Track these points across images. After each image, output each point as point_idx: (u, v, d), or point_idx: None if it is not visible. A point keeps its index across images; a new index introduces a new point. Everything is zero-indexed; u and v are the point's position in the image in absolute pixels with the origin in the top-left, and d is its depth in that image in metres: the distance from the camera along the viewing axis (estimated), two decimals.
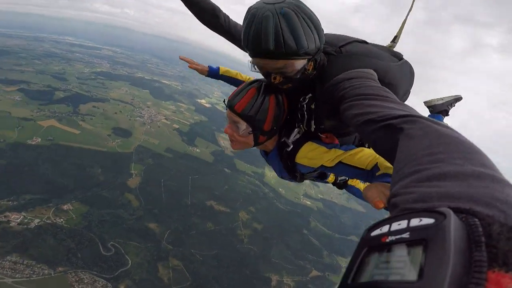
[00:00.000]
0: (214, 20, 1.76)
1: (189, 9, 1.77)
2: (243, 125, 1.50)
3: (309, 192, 60.44)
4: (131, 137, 51.02)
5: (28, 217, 28.27)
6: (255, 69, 1.35)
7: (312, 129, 1.50)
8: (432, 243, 0.26)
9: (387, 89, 1.04)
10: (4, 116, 42.55)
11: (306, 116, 1.45)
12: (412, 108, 0.84)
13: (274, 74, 1.29)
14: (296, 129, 1.57)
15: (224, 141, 60.68)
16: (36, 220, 28.19)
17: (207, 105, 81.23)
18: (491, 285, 0.22)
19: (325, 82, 1.27)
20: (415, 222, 0.31)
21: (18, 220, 27.26)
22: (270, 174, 56.77)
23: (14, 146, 36.96)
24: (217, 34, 1.83)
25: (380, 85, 1.09)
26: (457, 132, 0.57)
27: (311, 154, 1.54)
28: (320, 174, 1.86)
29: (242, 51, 1.48)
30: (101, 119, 53.37)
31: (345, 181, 2.07)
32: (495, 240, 0.26)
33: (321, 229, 50.12)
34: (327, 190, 63.66)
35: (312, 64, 1.31)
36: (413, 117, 0.71)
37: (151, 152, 48.58)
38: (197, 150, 52.24)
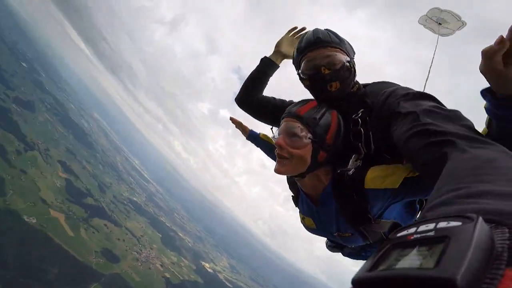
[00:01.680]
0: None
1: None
2: (302, 131, 1.28)
3: None
4: (116, 263, 48.66)
5: None
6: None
7: (372, 149, 1.30)
8: (453, 239, 0.27)
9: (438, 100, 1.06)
10: (32, 189, 44.86)
11: (363, 132, 1.29)
12: (468, 121, 0.82)
13: (323, 66, 1.36)
14: (353, 156, 1.40)
15: None
16: None
17: (210, 270, 78.07)
18: (506, 280, 0.23)
19: (370, 97, 1.37)
20: (442, 224, 0.32)
21: None
22: None
23: (8, 212, 36.77)
24: None
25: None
26: (510, 155, 0.55)
27: (384, 171, 1.26)
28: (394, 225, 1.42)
29: None
30: (101, 238, 53.16)
31: None
32: None
33: None
34: None
35: (353, 67, 1.41)
36: (471, 138, 0.69)
37: (125, 284, 44.60)
38: None
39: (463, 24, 4.49)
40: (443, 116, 0.88)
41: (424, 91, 1.17)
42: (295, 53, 1.48)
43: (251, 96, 1.84)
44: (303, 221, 1.62)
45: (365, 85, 1.50)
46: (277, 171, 1.34)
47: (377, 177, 1.26)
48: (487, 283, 0.23)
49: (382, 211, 1.34)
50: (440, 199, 0.47)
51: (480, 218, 0.30)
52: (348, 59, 1.39)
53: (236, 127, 2.25)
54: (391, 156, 1.31)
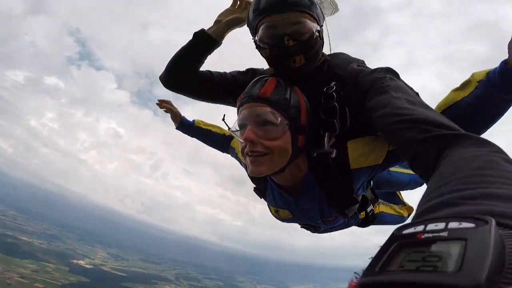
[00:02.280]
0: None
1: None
2: (275, 116, 1.08)
3: None
4: None
5: None
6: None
7: (347, 125, 1.17)
8: (470, 242, 0.26)
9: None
10: None
11: (337, 106, 1.13)
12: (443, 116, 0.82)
13: (287, 36, 1.15)
14: (326, 134, 1.17)
15: None
16: None
17: (88, 266, 62.38)
18: None
19: (339, 68, 1.27)
20: (454, 225, 0.30)
21: None
22: None
23: None
24: None
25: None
26: (509, 160, 0.56)
27: (366, 147, 1.18)
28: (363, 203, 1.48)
29: None
30: None
31: (372, 213, 1.67)
32: None
33: None
34: None
35: (320, 38, 1.24)
36: (465, 135, 0.69)
37: None
38: None
39: (336, 9, 6.50)
40: (421, 103, 0.90)
41: (389, 67, 1.14)
42: (251, 14, 1.24)
43: (181, 78, 1.50)
44: (275, 213, 1.47)
45: (329, 56, 1.39)
46: (256, 173, 1.11)
47: (360, 155, 1.17)
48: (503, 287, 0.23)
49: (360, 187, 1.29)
50: (442, 198, 0.45)
51: (494, 221, 0.29)
52: (318, 27, 1.21)
53: (165, 111, 1.93)
54: (362, 129, 1.21)
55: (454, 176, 0.51)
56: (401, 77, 1.14)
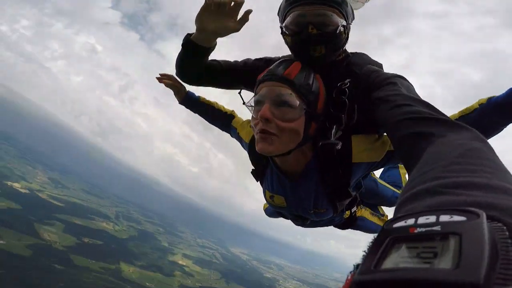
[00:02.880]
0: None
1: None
2: (294, 99, 1.11)
3: (185, 283, 53.46)
4: None
5: None
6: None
7: (354, 120, 1.26)
8: (467, 237, 0.26)
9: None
10: None
11: (347, 102, 1.20)
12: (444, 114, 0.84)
13: (312, 25, 1.19)
14: (334, 126, 1.23)
15: (48, 234, 46.31)
16: None
17: (23, 190, 59.58)
18: None
19: (357, 68, 1.31)
20: (445, 218, 0.30)
21: None
22: (128, 269, 47.07)
23: None
24: None
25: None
26: (491, 148, 0.57)
27: (369, 145, 1.27)
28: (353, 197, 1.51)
29: None
30: None
31: (355, 215, 1.79)
32: None
33: None
34: (203, 278, 59.29)
35: (347, 34, 1.29)
36: (451, 123, 0.70)
37: None
38: (1, 241, 36.88)
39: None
40: (426, 103, 0.91)
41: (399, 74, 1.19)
42: (283, 3, 1.29)
43: (191, 78, 1.58)
44: (270, 199, 1.50)
45: (351, 54, 1.43)
46: (264, 150, 1.13)
47: (363, 151, 1.24)
48: (499, 284, 0.23)
49: (372, 168, 1.35)
50: (425, 185, 0.45)
51: (485, 214, 0.29)
52: (345, 23, 1.25)
53: (166, 86, 1.81)
54: (365, 126, 1.29)
55: (437, 163, 0.51)
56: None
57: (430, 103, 0.92)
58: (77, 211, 62.25)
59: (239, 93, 1.39)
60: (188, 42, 1.37)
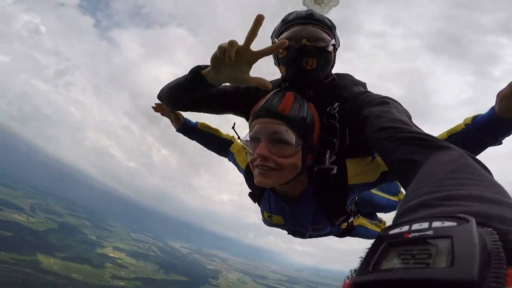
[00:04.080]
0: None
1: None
2: (291, 136, 1.11)
3: (118, 274, 49.85)
4: None
5: None
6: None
7: (347, 145, 1.28)
8: (457, 239, 0.27)
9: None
10: None
11: (338, 127, 1.22)
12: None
13: (305, 38, 1.28)
14: (328, 151, 1.24)
15: None
16: None
17: None
18: (511, 278, 0.23)
19: (343, 90, 1.37)
20: (437, 224, 0.32)
21: None
22: (48, 261, 41.92)
23: None
24: None
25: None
26: (482, 165, 0.60)
27: (364, 167, 1.32)
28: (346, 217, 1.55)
29: None
30: None
31: (352, 224, 1.79)
32: (511, 245, 0.27)
33: None
34: (138, 269, 56.14)
35: (334, 56, 1.38)
36: (442, 143, 0.74)
37: None
38: None
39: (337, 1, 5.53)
40: (412, 124, 0.96)
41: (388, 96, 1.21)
42: (278, 25, 1.38)
43: (181, 107, 1.52)
44: (268, 219, 1.55)
45: (336, 75, 1.47)
46: (263, 184, 1.17)
47: (358, 174, 1.30)
48: (493, 282, 0.24)
49: (367, 188, 1.41)
50: (420, 199, 0.47)
51: (474, 219, 0.31)
52: (335, 43, 1.34)
53: (163, 115, 1.81)
54: (359, 149, 1.34)
55: (430, 179, 0.54)
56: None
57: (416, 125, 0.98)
58: None
59: (233, 127, 1.43)
60: (198, 77, 1.23)
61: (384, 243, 0.31)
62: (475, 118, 1.22)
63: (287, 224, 1.50)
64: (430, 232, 0.30)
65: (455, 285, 0.23)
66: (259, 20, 1.04)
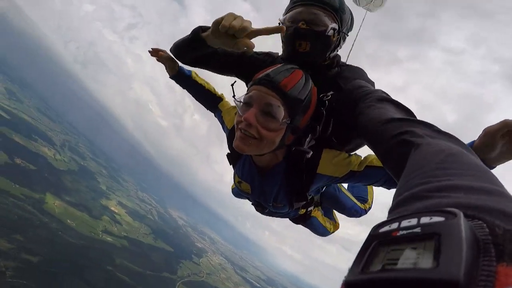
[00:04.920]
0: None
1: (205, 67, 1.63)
2: (281, 112, 1.14)
3: (110, 229, 53.54)
4: None
5: None
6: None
7: (328, 133, 1.31)
8: (445, 236, 0.27)
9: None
10: None
11: (324, 114, 1.25)
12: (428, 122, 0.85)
13: (303, 21, 1.28)
14: (309, 135, 1.29)
15: None
16: None
17: None
18: (501, 277, 0.23)
19: (344, 81, 1.34)
20: (425, 220, 0.32)
21: None
22: (53, 202, 45.22)
23: None
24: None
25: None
26: (473, 153, 0.61)
27: (336, 161, 1.35)
28: (307, 202, 1.60)
29: None
30: None
31: (309, 213, 1.88)
32: (501, 240, 0.27)
33: (130, 266, 43.48)
34: (131, 229, 59.76)
35: (336, 39, 1.34)
36: (432, 130, 0.74)
37: None
38: None
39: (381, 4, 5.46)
40: (412, 115, 0.95)
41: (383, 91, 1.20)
42: (289, 2, 1.40)
43: (188, 62, 1.61)
44: (238, 184, 1.61)
45: (345, 65, 1.47)
46: (239, 149, 1.19)
47: (329, 164, 1.34)
48: (483, 280, 0.24)
49: (328, 183, 1.46)
50: (411, 191, 0.48)
51: (461, 213, 0.31)
52: (336, 27, 1.31)
53: (158, 60, 1.79)
54: (338, 140, 1.38)
55: (420, 170, 0.55)
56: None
57: (410, 109, 0.96)
58: (21, 128, 57.56)
59: (232, 85, 1.43)
60: (198, 38, 1.31)
61: (374, 243, 0.31)
62: None
63: (253, 194, 1.57)
64: (418, 230, 0.30)
65: (440, 285, 0.23)
66: (281, 30, 1.11)
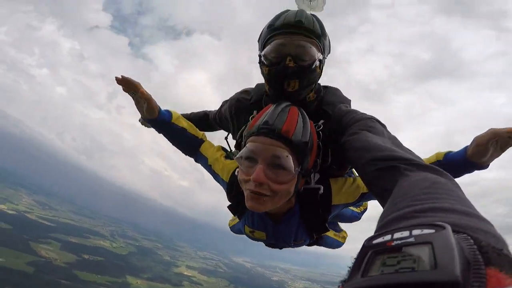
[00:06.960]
0: (208, 126, 1.86)
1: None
2: (290, 162, 1.04)
3: None
4: None
5: None
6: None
7: (328, 163, 1.27)
8: (437, 243, 0.30)
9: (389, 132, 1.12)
10: None
11: (321, 146, 1.21)
12: (413, 153, 0.91)
13: (290, 57, 1.18)
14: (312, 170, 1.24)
15: (46, 252, 44.45)
16: None
17: (11, 212, 56.04)
18: (492, 278, 0.25)
19: (330, 107, 1.34)
20: (417, 232, 0.34)
21: None
22: (136, 282, 45.67)
23: None
24: None
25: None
26: (455, 183, 0.66)
27: (346, 188, 1.34)
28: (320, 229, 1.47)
29: None
30: None
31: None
32: (485, 249, 0.30)
33: None
34: (212, 286, 58.41)
35: (321, 69, 1.30)
36: (418, 164, 0.78)
37: None
38: (1, 259, 36.07)
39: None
40: (396, 144, 0.98)
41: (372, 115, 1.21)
42: (265, 29, 1.27)
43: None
44: (250, 234, 1.50)
45: (323, 88, 1.45)
46: (255, 209, 1.10)
47: (342, 194, 1.33)
48: (475, 281, 0.26)
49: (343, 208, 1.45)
50: (398, 213, 0.52)
51: (449, 226, 0.34)
52: (321, 57, 1.24)
53: (125, 91, 1.35)
54: (336, 166, 1.34)
55: (407, 195, 0.59)
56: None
57: (399, 141, 1.00)
58: (71, 231, 59.11)
59: (226, 138, 1.46)
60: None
61: (369, 252, 0.33)
62: (447, 155, 1.30)
63: (269, 239, 1.47)
64: (411, 239, 0.32)
65: (441, 286, 0.25)
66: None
